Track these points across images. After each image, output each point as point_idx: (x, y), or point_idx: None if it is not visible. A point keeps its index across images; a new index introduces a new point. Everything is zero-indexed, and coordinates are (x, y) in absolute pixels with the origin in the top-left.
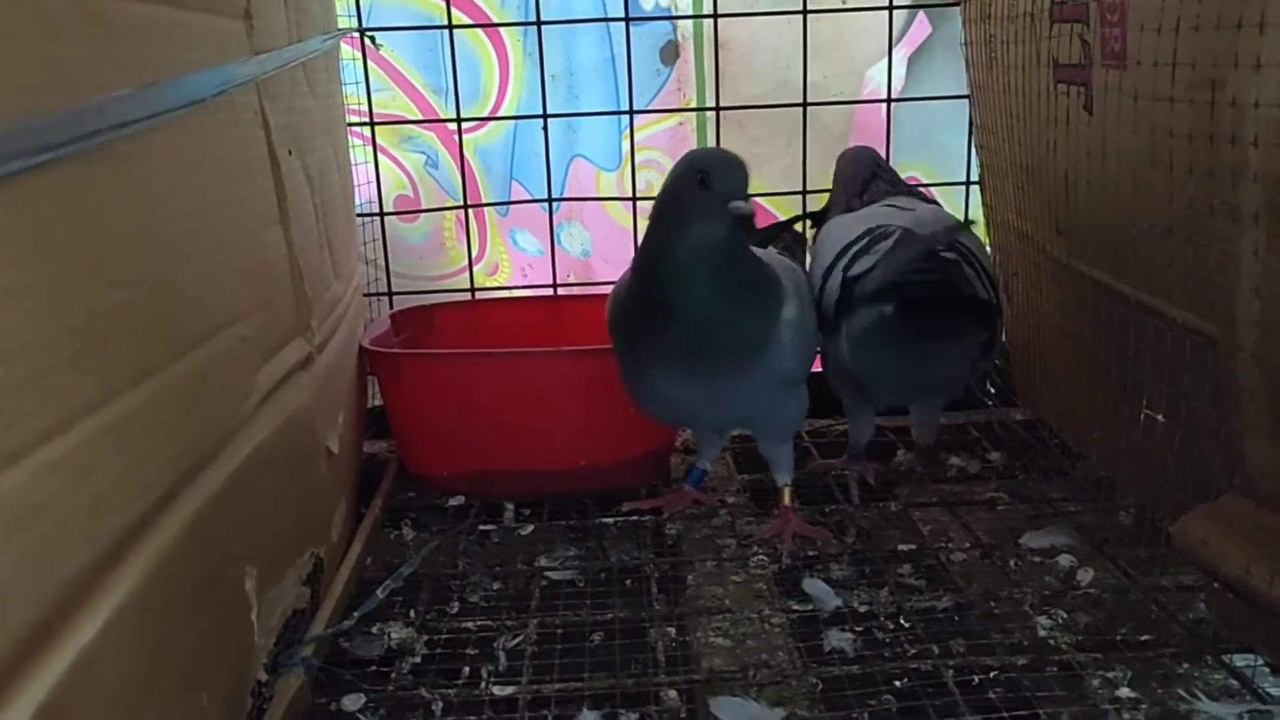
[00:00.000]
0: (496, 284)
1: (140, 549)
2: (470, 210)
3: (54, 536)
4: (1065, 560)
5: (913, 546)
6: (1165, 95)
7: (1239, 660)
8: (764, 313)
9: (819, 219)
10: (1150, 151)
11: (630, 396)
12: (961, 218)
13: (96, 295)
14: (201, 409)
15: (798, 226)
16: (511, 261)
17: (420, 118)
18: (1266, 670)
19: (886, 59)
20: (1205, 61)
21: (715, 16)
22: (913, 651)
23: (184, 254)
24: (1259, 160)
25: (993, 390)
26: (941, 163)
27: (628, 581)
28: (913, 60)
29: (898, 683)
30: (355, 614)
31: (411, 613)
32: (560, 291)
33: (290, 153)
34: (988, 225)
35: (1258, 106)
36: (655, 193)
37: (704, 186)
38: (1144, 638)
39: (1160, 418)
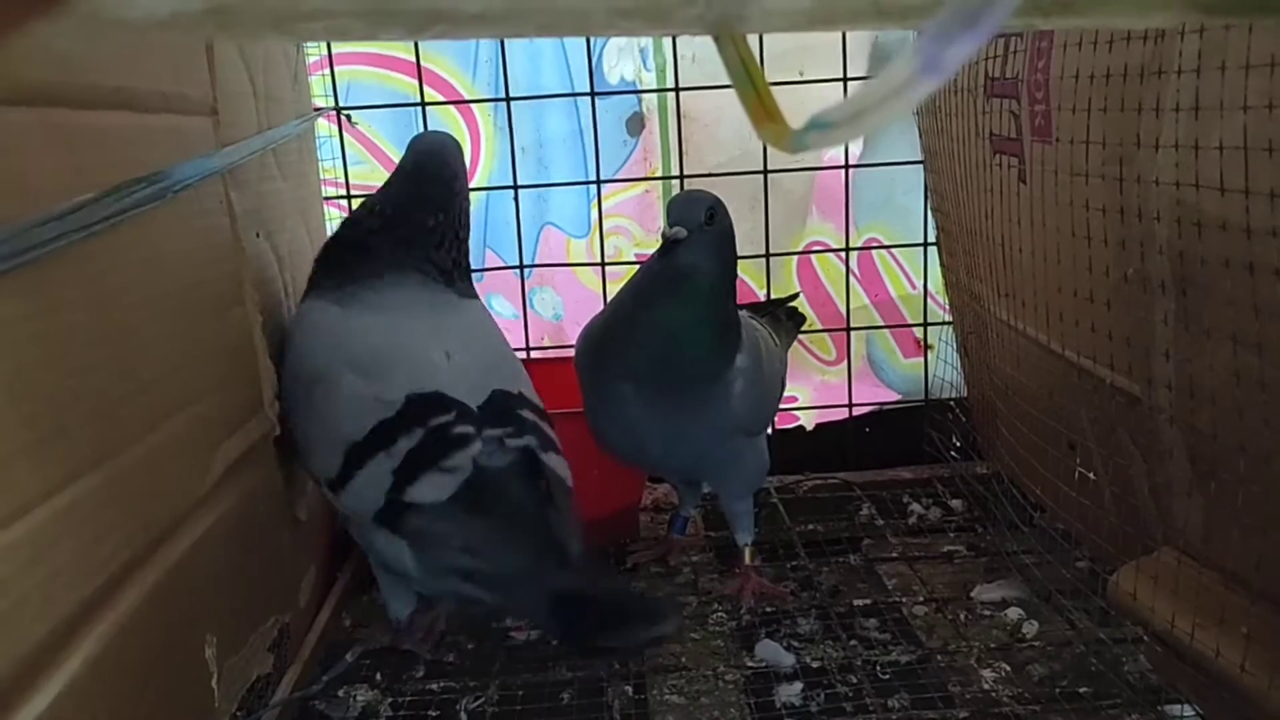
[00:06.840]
0: None
1: (96, 621)
2: None
3: (8, 616)
4: (1014, 613)
5: (868, 601)
6: (1083, 170)
7: (1173, 710)
8: (717, 346)
9: None
10: (1072, 221)
11: (594, 433)
12: (921, 278)
13: (55, 385)
14: (159, 486)
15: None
16: None
17: None
18: None
19: None
20: (1115, 141)
21: (677, 90)
22: (862, 706)
23: (143, 339)
24: (1164, 234)
25: (957, 444)
26: (901, 224)
27: None
28: None
29: None
30: (323, 678)
31: (379, 675)
32: (534, 355)
33: (258, 235)
34: (945, 285)
35: (1158, 184)
36: (624, 258)
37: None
38: (1084, 690)
39: (1092, 476)
